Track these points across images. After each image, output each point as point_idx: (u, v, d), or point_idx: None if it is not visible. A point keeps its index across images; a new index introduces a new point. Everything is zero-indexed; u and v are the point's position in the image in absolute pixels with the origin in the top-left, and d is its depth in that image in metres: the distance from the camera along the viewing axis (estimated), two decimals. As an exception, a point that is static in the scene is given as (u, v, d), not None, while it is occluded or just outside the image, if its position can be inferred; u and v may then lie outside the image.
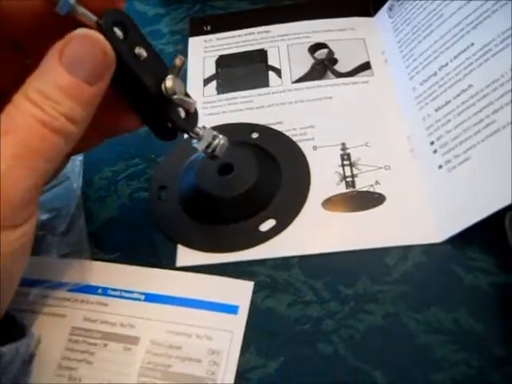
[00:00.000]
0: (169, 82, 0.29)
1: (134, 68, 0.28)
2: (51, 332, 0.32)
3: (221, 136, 0.33)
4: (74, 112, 0.25)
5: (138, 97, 0.29)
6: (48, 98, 0.24)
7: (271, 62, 0.45)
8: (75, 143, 0.26)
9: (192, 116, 0.31)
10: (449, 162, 0.35)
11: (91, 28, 0.26)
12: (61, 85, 0.25)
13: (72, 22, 0.26)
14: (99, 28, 0.26)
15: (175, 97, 0.29)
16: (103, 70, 0.26)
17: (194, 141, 0.32)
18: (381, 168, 0.37)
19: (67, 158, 0.33)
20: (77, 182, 0.38)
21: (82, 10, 0.26)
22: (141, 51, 0.28)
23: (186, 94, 0.31)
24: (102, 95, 0.26)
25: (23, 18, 0.27)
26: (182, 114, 0.30)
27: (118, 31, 0.27)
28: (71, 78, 0.25)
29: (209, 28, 0.49)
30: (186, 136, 0.33)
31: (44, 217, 0.36)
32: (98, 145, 0.33)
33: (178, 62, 0.30)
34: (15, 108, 0.25)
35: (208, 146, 0.32)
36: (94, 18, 0.26)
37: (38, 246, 0.34)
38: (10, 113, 0.24)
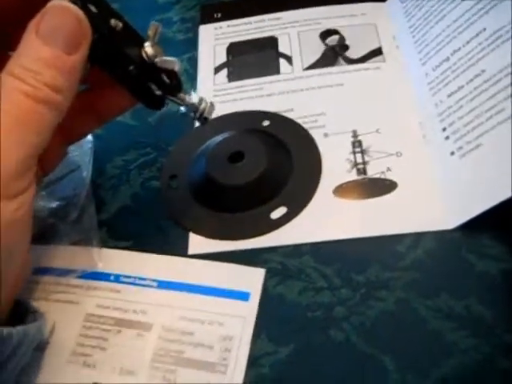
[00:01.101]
0: (148, 49, 0.29)
1: (113, 39, 0.28)
2: (65, 319, 0.32)
3: (206, 99, 0.33)
4: (57, 81, 0.26)
5: (122, 69, 0.30)
6: (29, 70, 0.25)
7: (282, 49, 0.45)
8: (63, 113, 0.27)
9: (176, 82, 0.32)
10: (461, 148, 0.35)
11: None
12: (40, 56, 0.25)
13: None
14: (74, 2, 0.27)
15: (157, 59, 0.30)
16: (80, 38, 0.26)
17: (182, 108, 0.33)
18: (392, 155, 0.37)
19: (67, 145, 0.34)
20: (87, 171, 0.38)
21: None
22: (116, 23, 0.29)
23: None
24: (83, 64, 0.27)
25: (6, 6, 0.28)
26: (166, 80, 0.31)
27: (91, 7, 0.27)
28: (49, 49, 0.26)
29: (219, 15, 0.49)
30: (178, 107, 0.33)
31: (55, 205, 0.36)
32: (96, 128, 0.35)
33: (151, 29, 0.30)
34: (1, 84, 0.25)
35: (196, 111, 0.33)
36: None
37: (50, 234, 0.35)
38: None
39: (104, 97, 0.32)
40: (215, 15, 0.49)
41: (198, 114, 0.33)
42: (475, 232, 0.33)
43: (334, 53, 0.44)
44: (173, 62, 0.30)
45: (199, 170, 0.37)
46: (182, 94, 0.32)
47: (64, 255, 0.35)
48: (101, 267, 0.34)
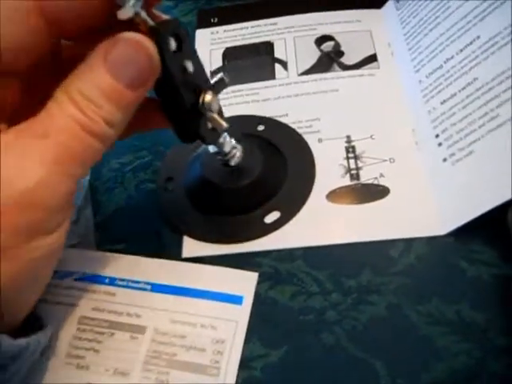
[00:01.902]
0: (208, 97, 0.29)
1: (176, 81, 0.27)
2: (60, 321, 0.32)
3: (238, 146, 0.34)
4: (113, 116, 0.25)
5: (173, 104, 0.29)
6: (89, 101, 0.24)
7: (277, 54, 0.45)
8: (111, 145, 0.26)
9: (216, 135, 0.32)
10: (453, 155, 0.35)
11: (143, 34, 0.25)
12: (103, 88, 0.24)
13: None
14: (155, 34, 0.25)
15: (209, 114, 0.29)
16: (147, 76, 0.25)
17: (211, 146, 0.34)
18: (385, 161, 0.37)
19: None
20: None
21: (144, 14, 0.25)
22: (189, 65, 0.28)
23: (220, 114, 0.31)
24: (142, 100, 0.26)
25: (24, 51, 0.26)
26: (210, 125, 0.31)
27: (172, 42, 0.27)
28: (114, 82, 0.24)
29: (216, 20, 0.49)
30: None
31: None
32: (124, 138, 0.33)
33: (225, 80, 0.30)
34: (57, 106, 0.24)
35: (225, 155, 0.34)
36: (152, 23, 0.25)
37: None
38: (51, 112, 0.24)
39: (144, 114, 0.30)
40: (212, 20, 0.49)
41: (226, 158, 0.34)
42: (467, 238, 0.33)
43: (329, 59, 0.44)
44: (221, 125, 0.30)
45: (195, 174, 0.38)
46: (220, 140, 0.33)
47: (61, 258, 0.35)
48: (96, 271, 0.34)
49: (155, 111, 0.30)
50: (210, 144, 0.33)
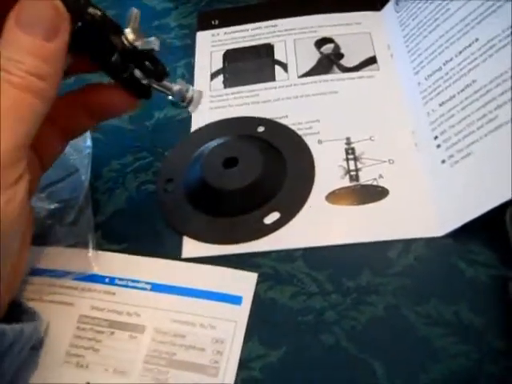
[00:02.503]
0: (129, 34, 0.30)
1: (93, 26, 0.29)
2: (60, 320, 0.32)
3: (192, 87, 0.33)
4: (39, 69, 0.26)
5: (106, 58, 0.30)
6: (11, 60, 0.25)
7: (278, 56, 0.46)
8: (51, 101, 0.27)
9: (161, 69, 0.32)
10: (452, 156, 0.35)
11: None
12: (21, 45, 0.26)
13: None
14: None
15: (138, 43, 0.30)
16: (58, 24, 0.27)
17: (170, 96, 0.33)
18: (384, 162, 0.38)
19: (65, 140, 0.34)
20: (85, 175, 0.38)
21: None
22: (95, 11, 0.29)
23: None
24: (65, 51, 0.27)
25: None
26: (150, 67, 0.31)
27: None
28: (29, 37, 0.26)
29: (216, 22, 0.49)
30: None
31: (53, 206, 0.36)
32: (93, 125, 0.34)
33: (131, 15, 0.30)
34: None
35: (184, 99, 0.33)
36: None
37: (46, 236, 0.35)
38: None
39: (99, 95, 0.33)
40: (212, 22, 0.49)
41: (186, 103, 0.33)
42: (465, 239, 0.33)
43: (329, 61, 0.44)
44: (153, 41, 0.31)
45: (194, 175, 0.38)
46: (167, 82, 0.32)
47: (60, 257, 0.35)
48: (96, 270, 0.34)
49: (112, 91, 0.32)
50: (160, 80, 0.32)
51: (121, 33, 0.30)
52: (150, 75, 0.31)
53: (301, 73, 0.44)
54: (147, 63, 0.31)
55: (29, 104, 0.26)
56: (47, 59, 0.26)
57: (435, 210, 0.35)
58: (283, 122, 0.41)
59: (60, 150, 0.34)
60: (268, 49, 0.46)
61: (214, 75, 0.45)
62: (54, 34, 0.27)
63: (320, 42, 0.46)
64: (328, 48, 0.45)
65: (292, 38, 0.47)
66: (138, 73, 0.31)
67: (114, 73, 0.31)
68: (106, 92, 0.32)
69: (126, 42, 0.30)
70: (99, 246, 0.36)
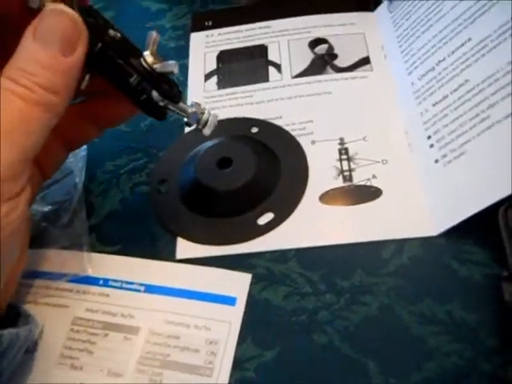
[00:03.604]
0: (148, 57, 0.30)
1: (113, 48, 0.29)
2: (54, 322, 0.32)
3: (208, 109, 0.33)
4: (52, 83, 0.26)
5: (124, 79, 0.30)
6: (23, 71, 0.25)
7: (271, 57, 0.46)
8: (59, 115, 0.27)
9: (176, 91, 0.32)
10: (445, 156, 0.35)
11: None
12: (36, 58, 0.26)
13: None
14: (71, 6, 0.27)
15: (157, 66, 0.30)
16: (76, 39, 0.27)
17: (185, 118, 0.33)
18: (378, 162, 0.38)
19: (68, 151, 0.34)
20: (79, 177, 0.38)
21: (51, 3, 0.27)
22: (115, 33, 0.29)
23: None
24: (80, 67, 0.27)
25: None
26: (167, 88, 0.31)
27: (90, 19, 0.28)
28: (45, 51, 0.26)
29: (210, 23, 0.49)
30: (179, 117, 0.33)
31: (47, 209, 0.36)
32: (98, 136, 0.35)
33: (150, 38, 0.30)
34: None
35: (198, 121, 0.33)
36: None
37: (41, 238, 0.35)
38: None
39: (105, 106, 0.33)
40: (206, 23, 0.49)
41: (201, 125, 0.33)
42: (459, 238, 0.34)
43: (323, 61, 0.45)
44: (172, 65, 0.31)
45: (188, 176, 0.38)
46: (183, 104, 0.32)
47: (54, 259, 0.35)
48: (90, 272, 0.34)
49: (118, 101, 0.32)
50: (176, 102, 0.32)
51: (140, 55, 0.30)
52: (167, 97, 0.31)
53: (294, 73, 0.44)
54: (165, 86, 0.31)
55: (38, 118, 0.26)
56: (61, 73, 0.26)
57: (428, 210, 0.35)
58: (277, 122, 0.41)
59: (62, 160, 0.34)
60: (262, 50, 0.46)
61: (207, 76, 0.45)
62: (71, 49, 0.26)
63: (314, 43, 0.46)
64: (322, 48, 0.45)
65: (286, 38, 0.47)
66: (155, 95, 0.31)
67: (132, 95, 0.31)
68: (112, 102, 0.32)
69: (145, 64, 0.30)
70: (93, 248, 0.36)
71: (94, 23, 0.28)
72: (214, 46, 0.48)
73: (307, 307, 0.32)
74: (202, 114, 0.33)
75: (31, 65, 0.25)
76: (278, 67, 0.45)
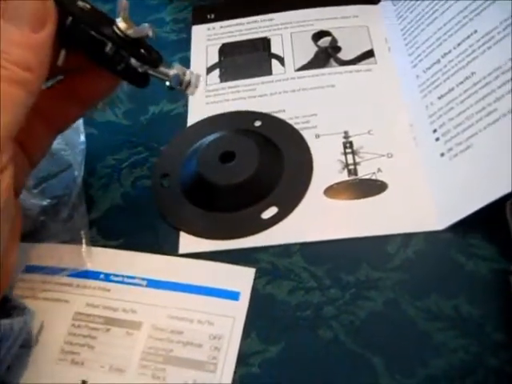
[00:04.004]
0: (121, 24, 0.29)
1: (84, 20, 0.29)
2: (54, 317, 0.32)
3: (189, 70, 0.33)
4: (25, 59, 0.26)
5: (99, 50, 0.30)
6: None
7: (274, 50, 0.45)
8: (36, 92, 0.27)
9: (155, 55, 0.31)
10: (451, 149, 0.35)
11: None
12: (6, 37, 0.26)
13: None
14: None
15: (130, 31, 0.30)
16: (44, 15, 0.27)
17: (167, 82, 0.32)
18: (383, 156, 0.37)
19: (54, 133, 0.33)
20: (79, 171, 0.38)
21: None
22: (84, 4, 0.29)
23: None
24: (51, 41, 0.27)
25: None
26: (145, 54, 0.31)
27: None
28: (15, 29, 0.26)
29: (212, 16, 0.49)
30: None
31: (46, 203, 0.36)
32: (81, 115, 0.34)
33: (120, 5, 0.30)
34: None
35: (181, 83, 0.32)
36: None
37: (40, 232, 0.35)
38: None
39: (84, 81, 0.32)
40: (208, 16, 0.49)
41: (183, 86, 0.32)
42: (465, 232, 0.33)
43: (326, 54, 0.44)
44: (146, 28, 0.30)
45: (191, 170, 0.38)
46: (163, 68, 0.32)
47: (54, 254, 0.34)
48: (90, 267, 0.34)
49: (96, 75, 0.31)
50: (157, 69, 0.32)
51: (112, 23, 0.30)
52: (145, 63, 0.31)
53: (298, 66, 0.44)
54: (142, 51, 0.31)
55: (13, 95, 0.26)
56: (33, 50, 0.26)
57: (434, 204, 0.34)
58: (280, 116, 0.41)
59: (48, 144, 0.33)
60: (264, 42, 0.46)
61: (210, 69, 0.45)
62: (41, 25, 0.26)
63: (317, 36, 0.45)
64: (325, 41, 0.45)
65: (289, 31, 0.46)
66: (133, 62, 0.30)
67: (110, 65, 0.30)
68: (92, 77, 0.32)
69: (118, 31, 0.29)
70: (94, 243, 0.36)
71: None
72: (216, 38, 0.47)
73: (312, 302, 0.32)
74: (184, 75, 0.32)
75: (3, 43, 0.25)
76: (281, 60, 0.44)
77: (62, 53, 0.29)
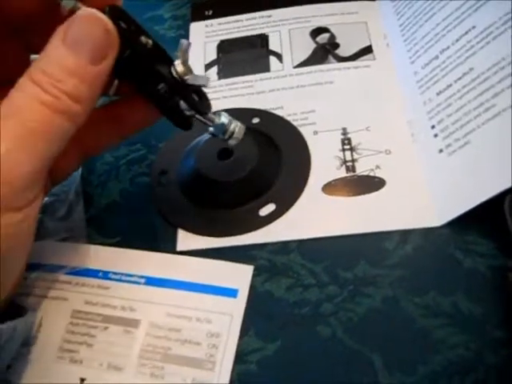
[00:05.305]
0: (179, 67, 0.29)
1: (143, 56, 0.28)
2: (52, 315, 0.32)
3: (235, 120, 0.33)
4: (78, 91, 0.25)
5: (152, 87, 0.29)
6: (50, 77, 0.24)
7: (272, 46, 0.45)
8: (80, 124, 0.26)
9: (206, 102, 0.32)
10: (449, 146, 0.35)
11: None
12: (64, 64, 0.24)
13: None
14: (103, 11, 0.26)
15: (188, 77, 0.29)
16: (106, 48, 0.26)
17: (211, 128, 0.32)
18: (381, 152, 0.37)
19: (82, 159, 0.33)
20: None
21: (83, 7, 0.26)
22: (147, 40, 0.28)
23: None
24: (107, 75, 0.26)
25: (24, 5, 0.27)
26: (196, 99, 0.31)
27: (121, 23, 0.27)
28: (74, 57, 0.25)
29: (210, 13, 0.49)
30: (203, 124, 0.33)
31: (43, 200, 0.36)
32: (119, 142, 0.34)
33: (182, 47, 0.30)
34: (18, 90, 0.24)
35: (225, 132, 0.32)
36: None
37: (37, 231, 0.34)
38: (12, 96, 0.24)
39: (128, 110, 0.32)
40: (206, 13, 0.49)
41: (227, 136, 0.32)
42: (463, 229, 0.33)
43: (325, 51, 0.44)
44: (204, 78, 0.30)
45: (189, 167, 0.37)
46: (211, 115, 0.32)
47: (52, 251, 0.34)
48: (88, 265, 0.34)
49: (142, 106, 0.31)
50: (203, 115, 0.32)
51: (170, 63, 0.29)
52: (194, 108, 0.31)
53: (296, 63, 0.44)
54: (194, 97, 0.31)
55: (58, 126, 0.25)
56: (88, 82, 0.25)
57: (432, 200, 0.34)
58: (278, 112, 0.41)
59: (75, 168, 0.33)
60: (262, 39, 0.46)
61: (208, 66, 0.45)
62: (101, 57, 0.25)
63: (315, 32, 0.45)
64: (323, 38, 0.45)
65: (287, 27, 0.46)
66: (183, 105, 0.30)
67: (159, 102, 0.30)
68: (136, 106, 0.31)
69: (174, 73, 0.29)
70: (92, 240, 0.36)
71: (126, 29, 0.27)
72: (214, 35, 0.47)
73: (310, 299, 0.32)
74: (230, 124, 0.32)
75: (58, 70, 0.24)
76: (279, 57, 0.44)
77: (115, 83, 0.28)
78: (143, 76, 0.29)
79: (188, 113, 0.31)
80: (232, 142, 0.33)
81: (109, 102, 0.32)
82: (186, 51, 0.30)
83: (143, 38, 0.28)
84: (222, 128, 0.32)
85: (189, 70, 0.30)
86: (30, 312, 0.30)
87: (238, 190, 0.36)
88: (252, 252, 0.34)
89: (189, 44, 0.30)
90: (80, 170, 0.38)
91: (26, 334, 0.30)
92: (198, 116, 0.31)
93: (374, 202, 0.35)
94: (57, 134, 0.25)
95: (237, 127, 0.32)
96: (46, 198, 0.36)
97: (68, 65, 0.25)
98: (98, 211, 0.37)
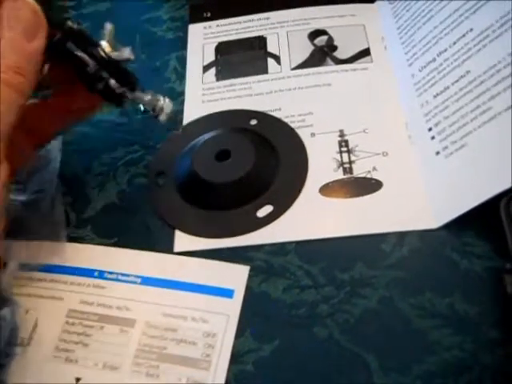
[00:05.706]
0: (106, 46, 0.32)
1: (72, 38, 0.31)
2: (48, 315, 0.32)
3: (164, 97, 0.35)
4: (19, 64, 0.28)
5: (82, 67, 0.32)
6: None
7: (270, 48, 0.45)
8: (26, 98, 0.28)
9: (132, 77, 0.34)
10: (446, 148, 0.35)
11: None
12: (3, 42, 0.27)
13: None
14: None
15: (113, 54, 0.32)
16: (36, 26, 0.29)
17: (141, 106, 0.34)
18: (378, 154, 0.37)
19: (34, 148, 0.35)
20: (55, 163, 0.38)
21: None
22: (73, 24, 0.31)
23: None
24: (42, 52, 0.29)
25: None
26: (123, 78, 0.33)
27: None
28: (11, 34, 0.28)
29: (209, 14, 0.49)
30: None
31: (25, 198, 0.36)
32: (64, 130, 0.37)
33: (106, 28, 0.33)
34: None
35: (154, 109, 0.34)
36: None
37: (18, 228, 0.34)
38: None
39: (70, 98, 0.34)
40: (204, 14, 0.49)
41: (156, 112, 0.34)
42: (459, 231, 0.33)
43: (323, 53, 0.44)
44: (128, 52, 0.33)
45: (186, 168, 0.38)
46: (140, 92, 0.34)
47: (47, 251, 0.34)
48: (84, 264, 0.34)
49: (80, 94, 0.33)
50: (133, 93, 0.34)
51: (97, 45, 0.32)
52: (123, 84, 0.33)
53: (294, 65, 0.44)
54: (121, 73, 0.33)
55: (8, 97, 0.27)
56: (26, 57, 0.28)
57: (429, 202, 0.34)
58: (276, 114, 0.41)
59: (29, 158, 0.35)
60: (261, 41, 0.46)
61: (206, 68, 0.45)
62: (33, 35, 0.28)
63: (313, 34, 0.45)
64: (321, 40, 0.45)
65: (285, 30, 0.46)
66: (112, 82, 0.32)
67: (90, 83, 0.32)
68: (72, 95, 0.34)
69: (102, 52, 0.32)
70: (90, 241, 0.36)
71: (53, 14, 0.30)
72: (213, 37, 0.47)
73: (307, 300, 0.32)
74: (158, 101, 0.34)
75: (2, 48, 0.27)
76: (277, 59, 0.44)
77: (46, 67, 0.31)
78: (73, 58, 0.31)
79: (119, 90, 0.33)
80: (162, 118, 0.35)
81: (52, 92, 0.35)
82: (110, 32, 0.32)
83: (69, 23, 0.31)
84: (151, 103, 0.34)
85: (114, 49, 0.33)
86: (15, 303, 0.30)
87: (236, 192, 0.36)
88: (249, 253, 0.34)
89: (112, 26, 0.33)
90: (58, 165, 0.38)
91: (13, 325, 0.30)
92: (127, 94, 0.33)
93: (371, 204, 0.35)
94: (6, 103, 0.27)
95: (165, 103, 0.34)
96: (28, 196, 0.36)
97: (7, 41, 0.28)
98: (96, 212, 0.37)
